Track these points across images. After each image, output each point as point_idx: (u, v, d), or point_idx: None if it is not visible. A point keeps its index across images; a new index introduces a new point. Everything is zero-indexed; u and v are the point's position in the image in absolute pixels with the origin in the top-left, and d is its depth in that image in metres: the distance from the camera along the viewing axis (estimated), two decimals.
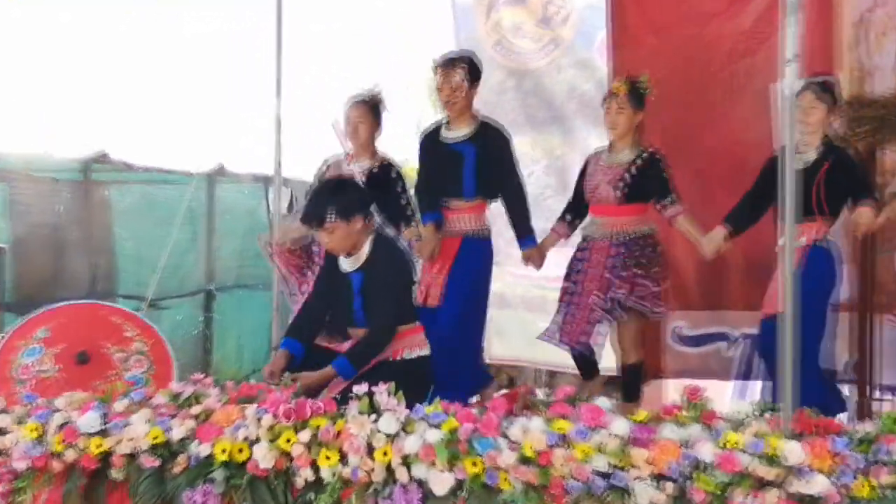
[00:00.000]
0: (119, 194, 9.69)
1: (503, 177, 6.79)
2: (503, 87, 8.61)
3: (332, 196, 5.87)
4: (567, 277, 6.81)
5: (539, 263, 6.85)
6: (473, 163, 6.74)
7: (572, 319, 6.63)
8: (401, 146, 8.62)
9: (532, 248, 6.82)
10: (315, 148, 7.97)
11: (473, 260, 6.83)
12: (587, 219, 6.88)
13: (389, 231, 6.88)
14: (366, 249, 5.92)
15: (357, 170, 7.05)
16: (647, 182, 6.61)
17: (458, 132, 6.86)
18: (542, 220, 7.31)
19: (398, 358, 5.85)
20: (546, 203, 8.27)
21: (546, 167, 8.58)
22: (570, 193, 7.22)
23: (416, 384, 5.36)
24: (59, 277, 9.24)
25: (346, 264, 5.95)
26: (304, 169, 8.70)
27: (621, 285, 6.58)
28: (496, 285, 7.66)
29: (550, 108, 8.56)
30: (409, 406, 5.14)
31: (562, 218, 7.00)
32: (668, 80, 7.08)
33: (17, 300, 8.87)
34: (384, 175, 7.04)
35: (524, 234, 6.85)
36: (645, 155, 6.64)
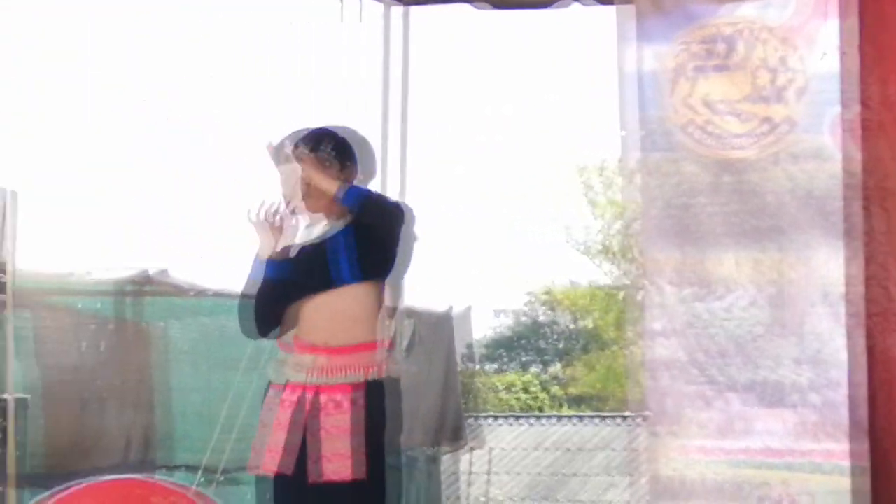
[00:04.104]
0: (166, 328, 8.08)
1: None
2: (696, 186, 6.93)
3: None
4: None
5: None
6: None
7: None
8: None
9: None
10: None
11: None
12: None
13: None
14: None
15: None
16: None
17: None
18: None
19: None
20: (756, 346, 6.44)
21: (755, 296, 6.76)
22: (788, 332, 6.26)
23: None
24: (92, 440, 7.65)
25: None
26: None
27: None
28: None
29: (762, 215, 6.82)
30: None
31: None
32: None
33: (43, 469, 7.27)
34: None
35: None
36: None
